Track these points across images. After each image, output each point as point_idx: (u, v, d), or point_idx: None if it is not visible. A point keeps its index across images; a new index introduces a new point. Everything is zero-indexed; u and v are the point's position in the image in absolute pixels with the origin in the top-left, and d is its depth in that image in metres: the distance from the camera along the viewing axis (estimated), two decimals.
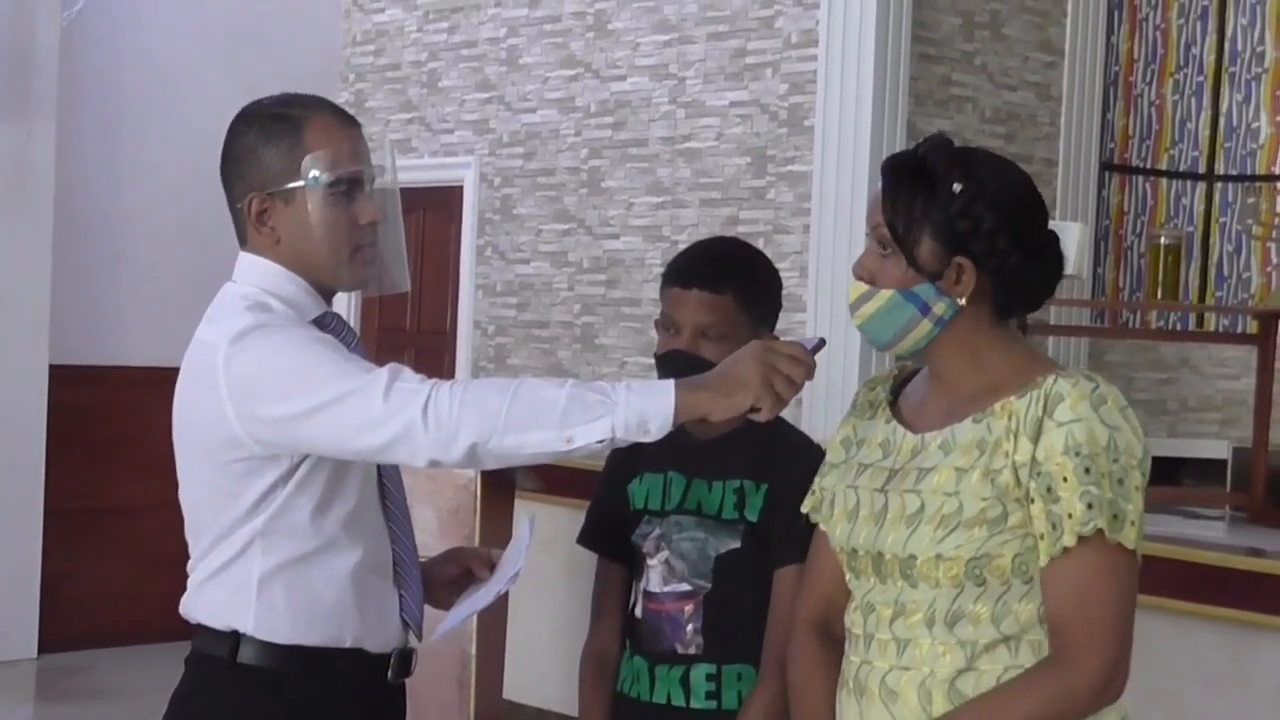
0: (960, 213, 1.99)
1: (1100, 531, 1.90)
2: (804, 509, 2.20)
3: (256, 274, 2.24)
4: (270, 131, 2.21)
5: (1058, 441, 1.92)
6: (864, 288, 2.05)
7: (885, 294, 2.02)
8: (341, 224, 2.22)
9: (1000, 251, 2.00)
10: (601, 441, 2.01)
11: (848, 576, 2.10)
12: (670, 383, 2.02)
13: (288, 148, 2.20)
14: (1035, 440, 1.93)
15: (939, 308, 2.01)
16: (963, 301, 2.01)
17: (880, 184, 2.05)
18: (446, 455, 2.03)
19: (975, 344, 2.04)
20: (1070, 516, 1.91)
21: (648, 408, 2.00)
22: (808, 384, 2.06)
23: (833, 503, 2.13)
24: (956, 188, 1.99)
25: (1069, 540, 1.91)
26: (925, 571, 1.97)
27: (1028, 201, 2.05)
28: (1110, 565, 1.91)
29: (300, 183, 2.20)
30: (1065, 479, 1.91)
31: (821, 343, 2.09)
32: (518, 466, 4.28)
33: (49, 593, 7.02)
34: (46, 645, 7.02)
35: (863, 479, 2.09)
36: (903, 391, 2.16)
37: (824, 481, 2.18)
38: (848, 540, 2.08)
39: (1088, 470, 1.90)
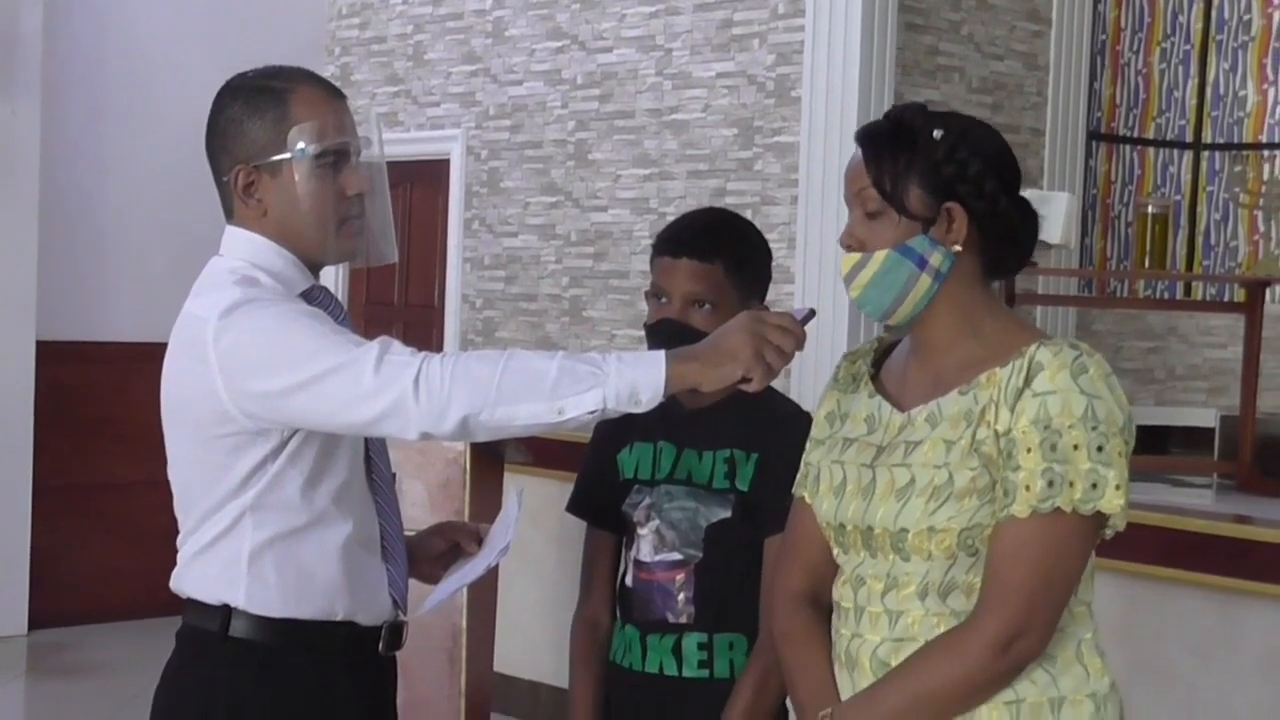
0: (945, 158, 1.99)
1: (1058, 510, 1.90)
2: (793, 488, 2.20)
3: (243, 247, 2.23)
4: (256, 104, 2.20)
5: (1030, 411, 1.92)
6: (856, 256, 2.03)
7: (880, 255, 2.01)
8: (328, 196, 2.21)
9: (988, 194, 2.00)
10: (593, 412, 2.00)
11: (835, 551, 2.09)
12: (661, 353, 2.02)
13: (274, 120, 2.19)
14: (1014, 410, 1.93)
15: (935, 258, 2.00)
16: (958, 248, 2.00)
17: (858, 153, 2.04)
18: (438, 428, 2.02)
19: (967, 306, 2.03)
20: (1028, 489, 1.91)
21: (639, 378, 1.99)
22: (797, 354, 2.05)
23: (818, 478, 2.12)
24: (938, 134, 2.00)
25: (1020, 510, 1.91)
26: (917, 544, 1.97)
27: (1007, 151, 2.06)
28: (1047, 531, 1.91)
29: (287, 155, 2.19)
30: (1029, 450, 1.91)
31: (811, 313, 2.08)
32: (507, 439, 4.29)
33: (38, 569, 7.02)
34: (36, 621, 7.03)
35: (848, 454, 2.09)
36: (884, 364, 2.16)
37: (809, 457, 2.17)
38: (835, 515, 2.07)
39: (1054, 447, 1.90)
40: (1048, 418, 1.91)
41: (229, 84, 2.26)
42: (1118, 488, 1.91)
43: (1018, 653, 1.92)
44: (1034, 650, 1.93)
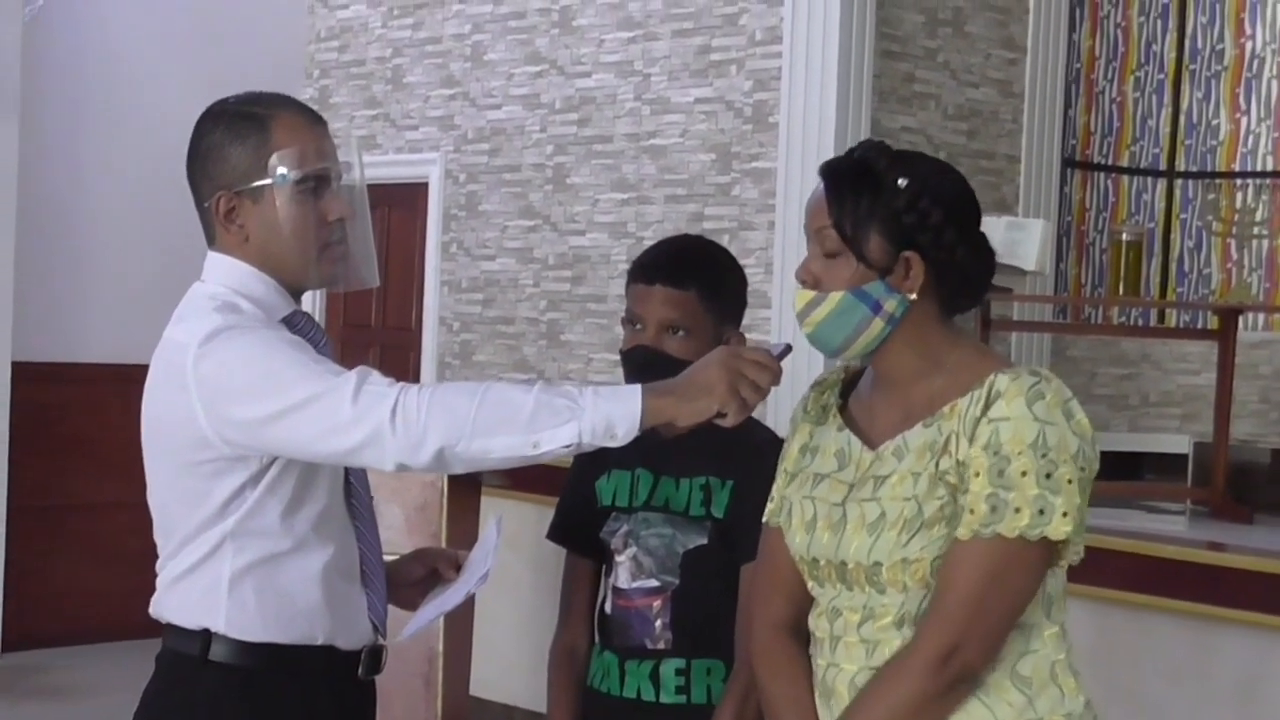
0: (907, 207, 2.01)
1: (999, 535, 1.92)
2: (764, 518, 2.20)
3: (225, 273, 2.24)
4: (237, 130, 2.21)
5: (983, 437, 1.94)
6: (811, 294, 2.04)
7: (836, 295, 2.02)
8: (310, 221, 2.22)
9: (947, 244, 2.02)
10: (568, 446, 2.01)
11: (810, 584, 2.11)
12: (637, 388, 2.03)
13: (254, 146, 2.20)
14: (971, 438, 1.95)
15: (890, 305, 2.02)
16: (913, 296, 2.02)
17: (820, 188, 2.05)
18: (414, 459, 2.03)
19: (924, 342, 2.05)
20: (972, 513, 1.93)
21: (614, 412, 2.00)
22: (773, 389, 2.07)
23: (790, 511, 2.14)
24: (902, 183, 2.01)
25: (962, 533, 1.94)
26: (892, 577, 1.99)
27: (968, 196, 2.08)
28: (987, 554, 1.92)
29: (268, 181, 2.20)
30: (978, 474, 1.94)
31: (788, 348, 2.09)
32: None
33: (12, 590, 6.98)
34: (9, 644, 6.98)
35: (819, 490, 2.10)
36: (851, 394, 2.17)
37: (782, 489, 2.18)
38: (807, 550, 2.08)
39: (1001, 473, 1.92)
40: (998, 444, 1.93)
41: (210, 110, 2.27)
42: (1065, 515, 1.93)
43: (955, 667, 1.93)
44: (973, 663, 1.94)
